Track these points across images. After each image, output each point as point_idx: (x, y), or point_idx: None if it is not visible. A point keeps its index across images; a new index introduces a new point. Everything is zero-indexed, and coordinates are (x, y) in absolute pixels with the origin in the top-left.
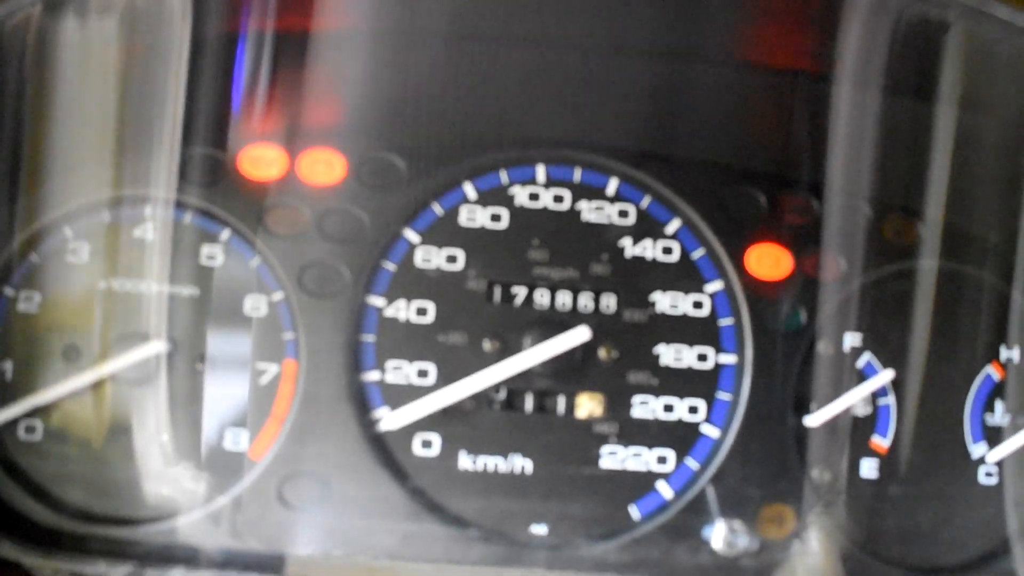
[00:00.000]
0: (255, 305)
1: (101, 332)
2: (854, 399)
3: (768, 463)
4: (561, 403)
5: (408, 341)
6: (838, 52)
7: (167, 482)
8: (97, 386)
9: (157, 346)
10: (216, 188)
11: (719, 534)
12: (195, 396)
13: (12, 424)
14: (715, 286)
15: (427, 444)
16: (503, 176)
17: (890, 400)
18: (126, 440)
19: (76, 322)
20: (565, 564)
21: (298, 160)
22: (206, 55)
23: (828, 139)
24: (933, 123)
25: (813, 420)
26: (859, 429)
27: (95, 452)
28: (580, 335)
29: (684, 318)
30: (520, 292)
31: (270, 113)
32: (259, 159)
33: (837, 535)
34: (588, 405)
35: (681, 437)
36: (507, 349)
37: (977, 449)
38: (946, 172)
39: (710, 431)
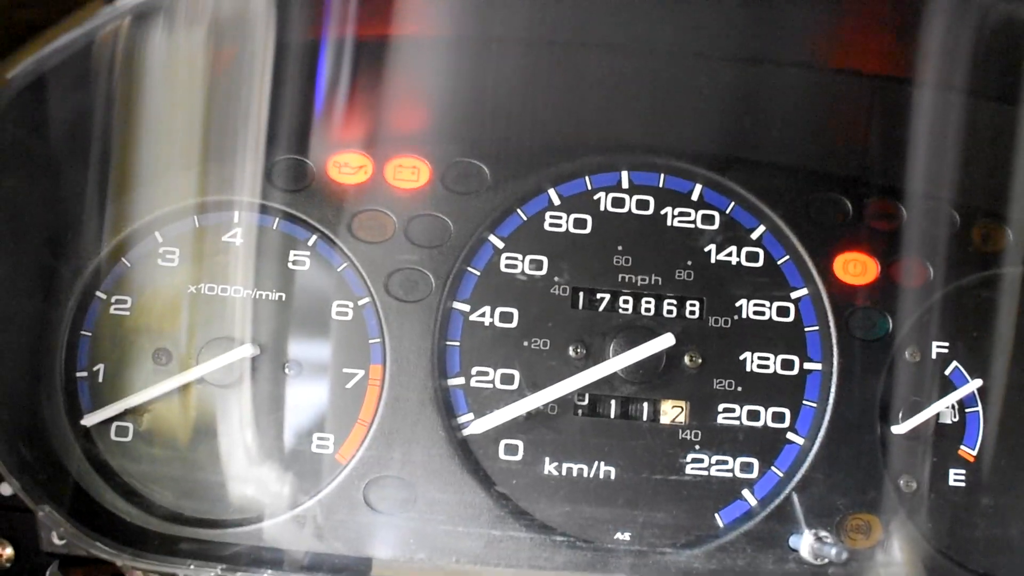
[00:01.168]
0: (341, 310)
1: (190, 335)
2: (941, 407)
3: (854, 471)
4: (645, 410)
5: (493, 346)
6: (921, 54)
7: (254, 485)
8: (186, 389)
9: (245, 350)
10: (303, 194)
11: (807, 543)
12: (282, 400)
13: (104, 425)
14: (801, 292)
15: (511, 449)
16: (587, 182)
17: (978, 409)
18: (214, 443)
19: (166, 326)
20: (650, 571)
21: (384, 166)
22: (290, 63)
23: (913, 144)
24: (1019, 126)
25: (900, 428)
26: (946, 437)
27: (184, 454)
28: (664, 341)
29: (769, 324)
30: (604, 298)
31: (356, 120)
32: (345, 165)
33: (923, 544)
34: (672, 412)
35: (766, 445)
36: (591, 355)
37: None
38: None
39: (795, 439)
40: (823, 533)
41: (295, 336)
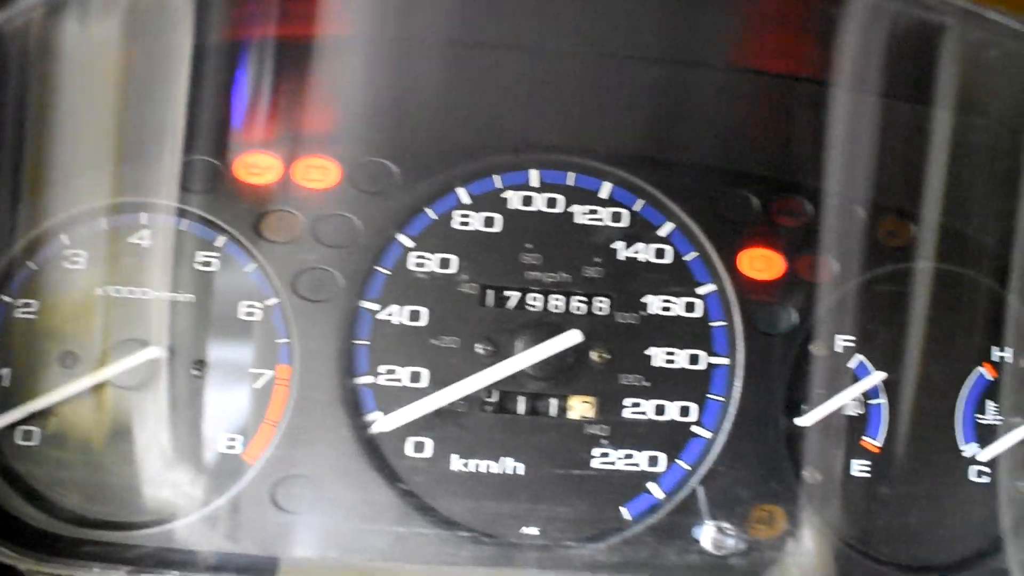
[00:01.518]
0: (249, 310)
1: (98, 338)
2: (845, 400)
3: (759, 464)
4: (553, 406)
5: (401, 345)
6: (826, 55)
7: (163, 486)
8: (94, 392)
9: (152, 352)
10: (212, 195)
11: (708, 534)
12: (191, 401)
13: (9, 430)
14: (707, 288)
15: (419, 447)
16: (497, 180)
17: (882, 401)
18: (123, 445)
19: (73, 328)
20: (555, 565)
21: (293, 166)
22: (204, 63)
23: (821, 142)
24: (927, 125)
25: (804, 421)
26: (851, 429)
27: (92, 457)
28: (572, 338)
29: (676, 320)
30: (513, 296)
31: (266, 120)
32: (254, 166)
33: (829, 534)
34: (580, 407)
35: (673, 438)
36: (499, 352)
37: (969, 448)
38: (940, 174)
39: (701, 432)
40: (725, 524)
41: (203, 337)
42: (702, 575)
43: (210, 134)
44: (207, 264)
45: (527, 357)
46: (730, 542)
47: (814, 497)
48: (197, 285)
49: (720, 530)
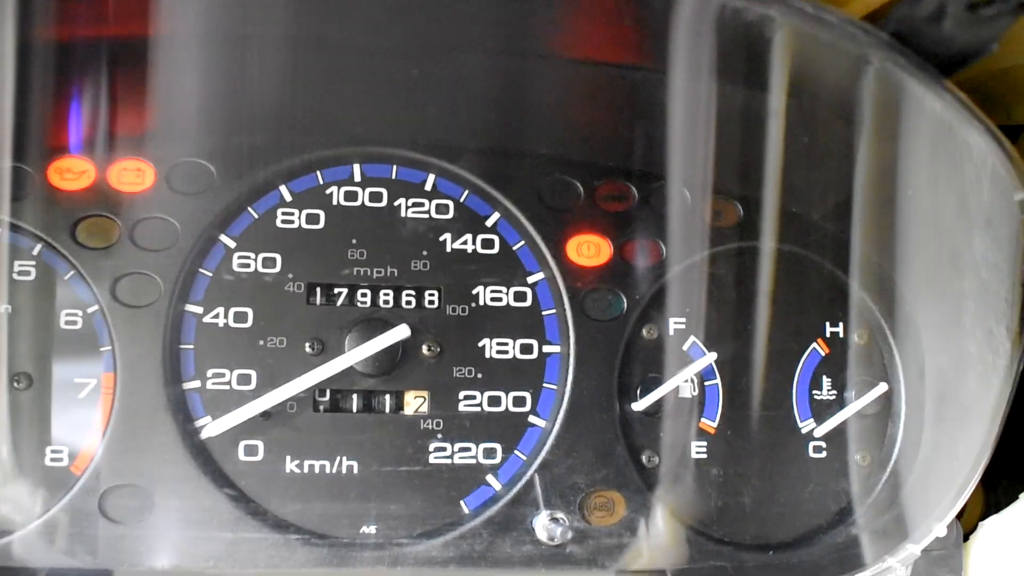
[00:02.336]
0: (70, 319)
1: None
2: (677, 383)
3: (595, 450)
4: (387, 402)
5: (228, 348)
6: (653, 42)
7: None
8: None
9: None
10: (25, 202)
11: (541, 523)
12: (15, 414)
13: None
14: (536, 277)
15: (251, 450)
16: (319, 177)
17: (716, 382)
18: None
19: None
20: (391, 562)
21: (107, 170)
22: (13, 65)
23: (644, 126)
24: (751, 107)
25: (639, 405)
26: (687, 412)
27: None
28: (398, 333)
29: (507, 310)
30: (340, 293)
31: (75, 124)
32: (67, 171)
33: (668, 517)
34: (415, 403)
35: (508, 429)
36: (328, 351)
37: (806, 425)
38: (765, 155)
39: (537, 421)
40: (557, 513)
41: (24, 348)
42: (540, 565)
43: (20, 140)
44: (24, 273)
45: (354, 355)
46: (562, 531)
47: (653, 481)
48: (15, 295)
49: (553, 519)
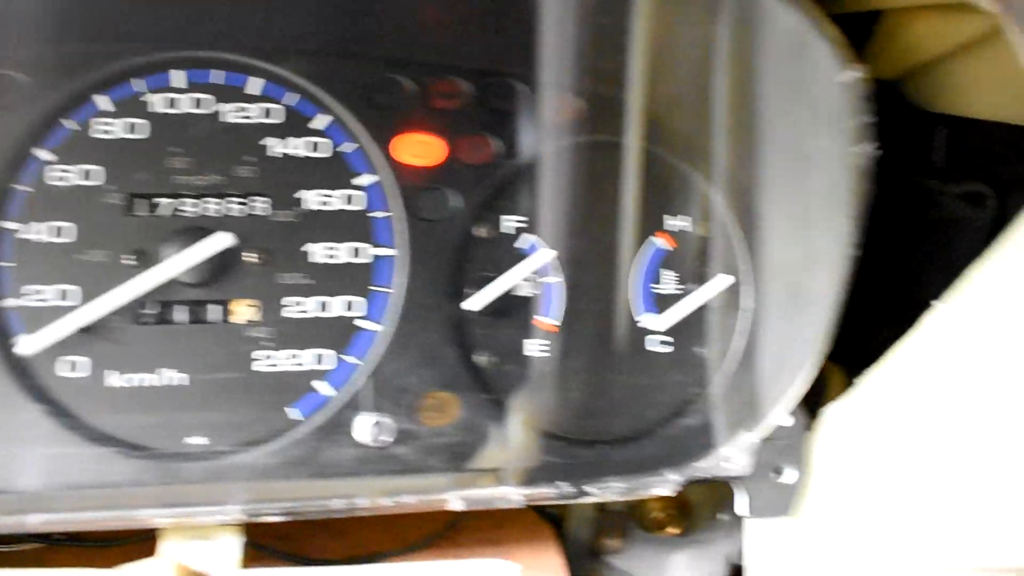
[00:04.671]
0: None
1: None
2: (512, 281)
3: (427, 352)
4: (215, 312)
5: (47, 263)
6: None
7: None
8: None
9: None
10: None
11: (362, 426)
12: None
13: None
14: (367, 179)
15: (73, 366)
16: (137, 84)
17: (556, 279)
18: None
19: None
20: (216, 473)
21: None
22: None
23: (478, 21)
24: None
25: (473, 304)
26: (523, 310)
27: None
28: (221, 241)
29: (336, 214)
30: (164, 203)
31: None
32: None
33: (507, 416)
34: (244, 311)
35: (338, 334)
36: (150, 262)
37: (645, 319)
38: (606, 47)
39: (368, 326)
40: (382, 417)
41: None
42: (368, 468)
43: None
44: None
45: (172, 265)
46: (383, 432)
47: (486, 381)
48: None
49: (375, 422)
